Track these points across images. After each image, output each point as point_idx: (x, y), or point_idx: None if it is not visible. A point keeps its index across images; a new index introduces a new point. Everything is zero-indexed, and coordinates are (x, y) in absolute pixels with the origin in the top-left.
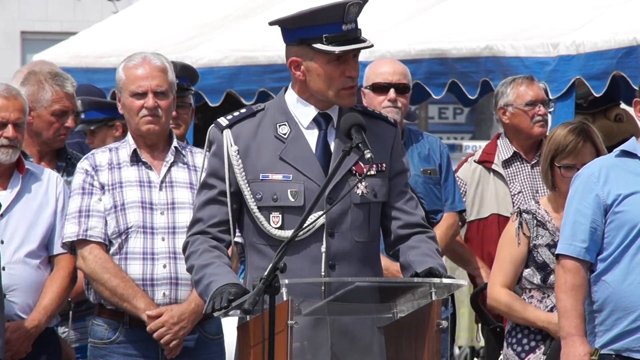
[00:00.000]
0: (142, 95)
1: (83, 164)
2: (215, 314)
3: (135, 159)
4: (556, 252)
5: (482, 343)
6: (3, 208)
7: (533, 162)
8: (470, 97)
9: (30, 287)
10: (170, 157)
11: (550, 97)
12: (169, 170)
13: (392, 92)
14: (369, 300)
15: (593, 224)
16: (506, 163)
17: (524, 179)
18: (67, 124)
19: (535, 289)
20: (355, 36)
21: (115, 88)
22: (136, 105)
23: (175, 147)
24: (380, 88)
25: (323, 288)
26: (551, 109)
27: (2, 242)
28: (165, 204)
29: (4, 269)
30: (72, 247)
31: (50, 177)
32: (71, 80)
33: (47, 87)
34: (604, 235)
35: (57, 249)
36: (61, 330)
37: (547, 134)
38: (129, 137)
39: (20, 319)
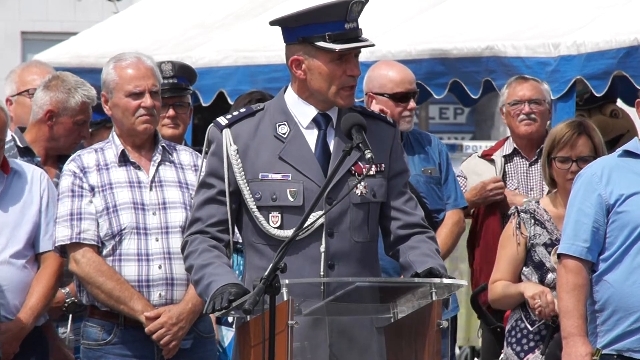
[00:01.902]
0: (139, 95)
1: (70, 166)
2: (216, 314)
3: (123, 159)
4: (558, 252)
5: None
6: None
7: (532, 160)
8: (473, 96)
9: (17, 287)
10: (157, 156)
11: (552, 97)
12: (157, 169)
13: (412, 102)
14: (369, 300)
15: (595, 223)
16: (507, 158)
17: (521, 175)
18: (83, 133)
19: None
20: (356, 35)
21: (103, 88)
22: (132, 105)
23: (162, 146)
24: (403, 97)
25: (322, 288)
26: (541, 107)
27: None
28: (157, 204)
29: None
30: (63, 250)
31: (34, 174)
32: (93, 90)
33: (77, 97)
34: (606, 235)
35: (43, 246)
36: (61, 331)
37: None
38: (114, 137)
39: (7, 320)
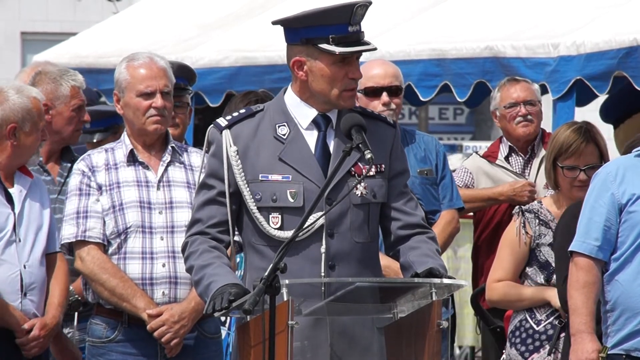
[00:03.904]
0: (150, 95)
1: (79, 165)
2: (216, 315)
3: (132, 159)
4: (569, 249)
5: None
6: (17, 208)
7: (526, 158)
8: (459, 99)
9: (43, 285)
10: (167, 157)
11: (551, 97)
12: (166, 169)
13: (384, 96)
14: (369, 300)
15: (607, 222)
16: (506, 159)
17: (517, 172)
18: (83, 117)
19: None
20: (358, 38)
21: (116, 87)
22: (144, 105)
23: (172, 147)
24: (372, 92)
25: (323, 288)
26: (535, 107)
27: (20, 241)
28: (163, 203)
29: (24, 267)
30: (70, 248)
31: (39, 177)
32: (79, 74)
33: (64, 84)
34: (618, 234)
35: (55, 246)
36: (66, 330)
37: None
38: (125, 137)
39: (36, 318)
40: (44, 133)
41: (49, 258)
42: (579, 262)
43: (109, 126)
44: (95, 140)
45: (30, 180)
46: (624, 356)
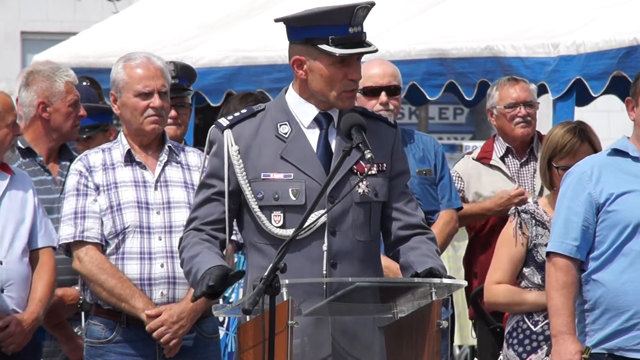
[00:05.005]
0: (148, 95)
1: (76, 165)
2: (214, 312)
3: (129, 159)
4: (547, 250)
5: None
6: None
7: (522, 161)
8: (467, 98)
9: (24, 281)
10: (164, 157)
11: (551, 97)
12: (163, 169)
13: (383, 96)
14: (369, 300)
15: (585, 222)
16: (501, 159)
17: (512, 175)
18: (80, 112)
19: (536, 288)
20: (360, 39)
21: (113, 87)
22: (141, 105)
23: (169, 147)
24: (371, 92)
25: (325, 287)
26: (534, 108)
27: None
28: (161, 204)
29: (0, 263)
30: (68, 249)
31: (25, 175)
32: (70, 70)
33: (58, 80)
34: (595, 234)
35: (40, 242)
36: (75, 329)
37: (545, 133)
38: (121, 137)
39: (15, 314)
40: (17, 128)
41: (33, 254)
42: (558, 263)
43: (99, 123)
44: (85, 136)
45: (9, 176)
46: (605, 355)
